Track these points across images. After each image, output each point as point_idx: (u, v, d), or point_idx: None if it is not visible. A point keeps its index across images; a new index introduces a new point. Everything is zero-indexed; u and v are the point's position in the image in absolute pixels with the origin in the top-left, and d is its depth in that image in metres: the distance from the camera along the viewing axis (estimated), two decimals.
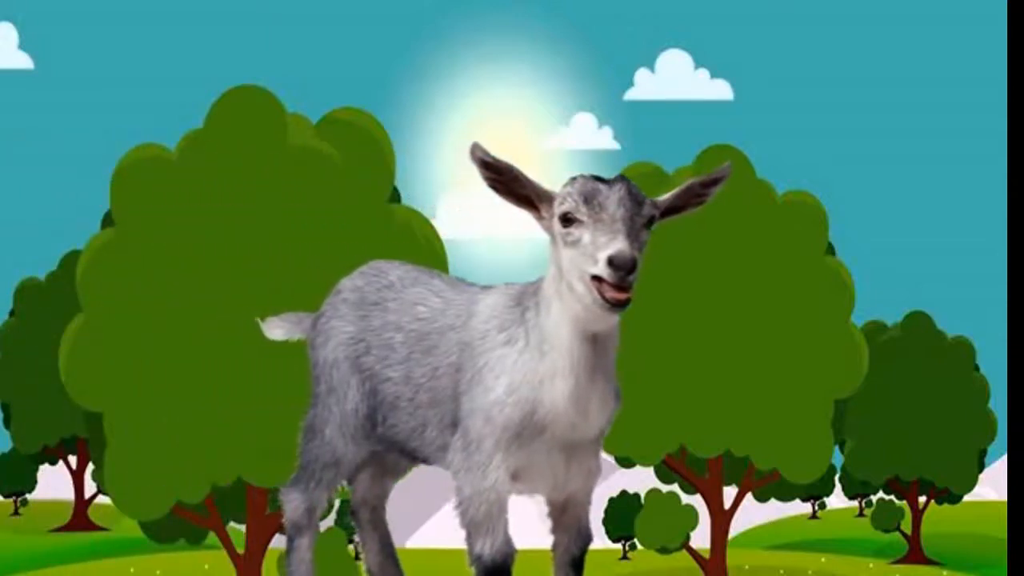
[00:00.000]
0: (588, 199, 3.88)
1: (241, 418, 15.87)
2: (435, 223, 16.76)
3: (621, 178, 3.95)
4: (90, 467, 27.77)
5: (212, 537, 18.07)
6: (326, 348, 4.58)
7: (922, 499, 28.89)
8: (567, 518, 4.35)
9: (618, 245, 3.82)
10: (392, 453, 4.62)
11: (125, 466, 16.27)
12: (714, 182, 4.10)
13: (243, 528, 17.56)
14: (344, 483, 4.71)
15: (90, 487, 30.34)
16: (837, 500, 34.07)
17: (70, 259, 22.64)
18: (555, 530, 4.38)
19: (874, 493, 29.93)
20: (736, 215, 18.78)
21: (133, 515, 17.20)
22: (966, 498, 28.94)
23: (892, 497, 29.43)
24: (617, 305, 3.85)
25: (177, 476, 16.24)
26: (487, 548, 4.16)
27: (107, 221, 16.98)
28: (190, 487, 16.39)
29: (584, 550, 4.37)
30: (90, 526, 31.20)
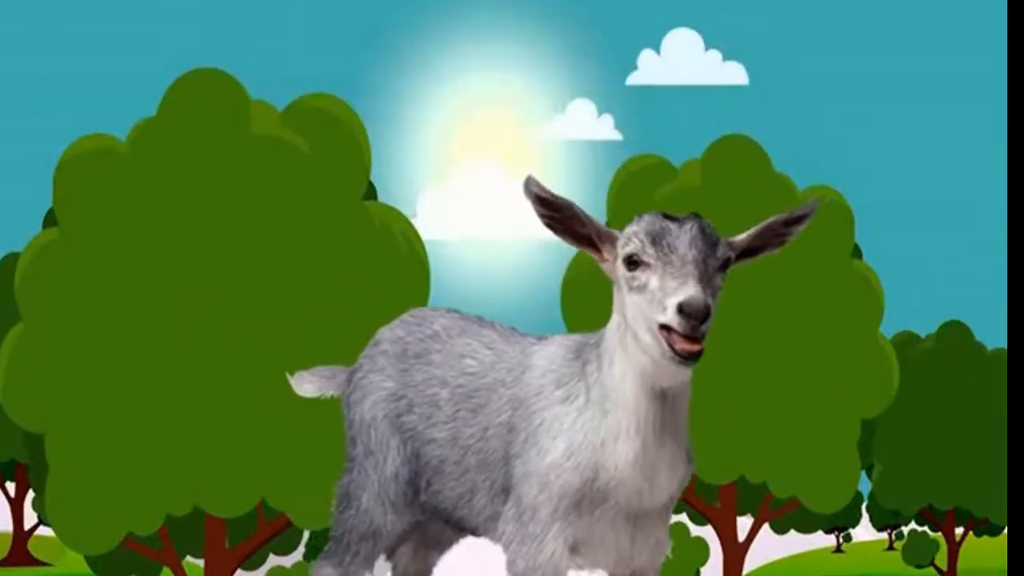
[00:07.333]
0: (656, 239, 3.84)
1: (198, 441, 15.84)
2: (415, 222, 16.77)
3: (694, 216, 3.91)
4: (30, 495, 27.75)
5: (166, 572, 18.07)
6: (363, 405, 4.51)
7: (959, 530, 28.93)
8: None
9: (689, 291, 3.78)
10: (436, 523, 4.56)
11: (69, 494, 16.24)
12: (798, 220, 4.08)
13: (201, 563, 17.56)
14: (383, 557, 4.64)
15: (30, 517, 30.31)
16: (864, 532, 34.12)
17: (7, 263, 22.62)
18: None
19: (905, 524, 29.94)
20: (752, 214, 18.79)
21: (78, 548, 17.17)
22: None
23: (925, 528, 29.46)
24: (688, 358, 3.83)
25: (127, 505, 16.21)
26: None
27: (49, 220, 16.96)
28: (142, 517, 16.36)
29: None
30: (31, 561, 31.16)
